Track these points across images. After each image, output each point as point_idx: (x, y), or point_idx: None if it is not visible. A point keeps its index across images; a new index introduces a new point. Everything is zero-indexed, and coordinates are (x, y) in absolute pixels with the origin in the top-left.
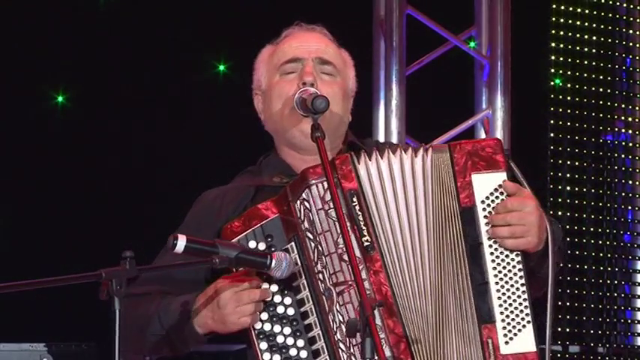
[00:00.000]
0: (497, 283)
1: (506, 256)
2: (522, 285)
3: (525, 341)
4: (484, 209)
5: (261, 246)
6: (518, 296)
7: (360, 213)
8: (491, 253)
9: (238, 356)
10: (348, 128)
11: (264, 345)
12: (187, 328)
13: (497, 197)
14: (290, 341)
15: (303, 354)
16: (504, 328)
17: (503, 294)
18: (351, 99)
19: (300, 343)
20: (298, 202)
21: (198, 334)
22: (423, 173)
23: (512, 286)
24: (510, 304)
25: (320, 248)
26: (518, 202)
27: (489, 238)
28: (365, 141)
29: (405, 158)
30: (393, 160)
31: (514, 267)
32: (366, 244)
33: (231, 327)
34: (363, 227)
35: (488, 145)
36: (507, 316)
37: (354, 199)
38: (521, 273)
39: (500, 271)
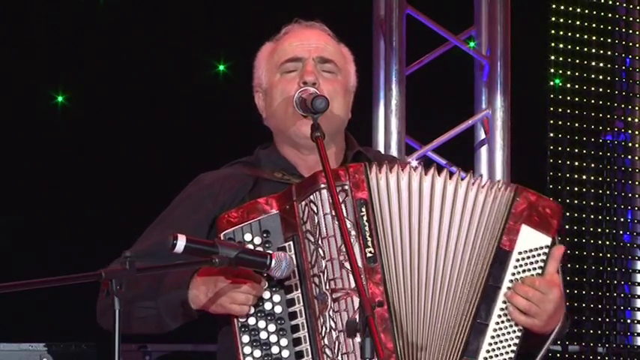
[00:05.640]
0: (495, 330)
1: None
2: (515, 344)
3: None
4: (517, 260)
5: (257, 240)
6: (508, 348)
7: (367, 223)
8: (504, 302)
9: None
10: (352, 135)
11: (246, 338)
12: (181, 302)
13: (534, 256)
14: (273, 339)
15: (285, 353)
16: None
17: (496, 342)
18: (352, 95)
19: (284, 342)
20: (303, 203)
21: (192, 309)
22: (483, 203)
23: (506, 339)
24: (497, 355)
25: (321, 252)
26: (545, 286)
27: (509, 288)
28: (368, 148)
29: (424, 177)
30: (413, 178)
31: (517, 324)
32: (369, 255)
33: (219, 309)
34: (368, 238)
35: (550, 206)
36: None
37: (363, 209)
38: (519, 333)
39: (503, 321)
